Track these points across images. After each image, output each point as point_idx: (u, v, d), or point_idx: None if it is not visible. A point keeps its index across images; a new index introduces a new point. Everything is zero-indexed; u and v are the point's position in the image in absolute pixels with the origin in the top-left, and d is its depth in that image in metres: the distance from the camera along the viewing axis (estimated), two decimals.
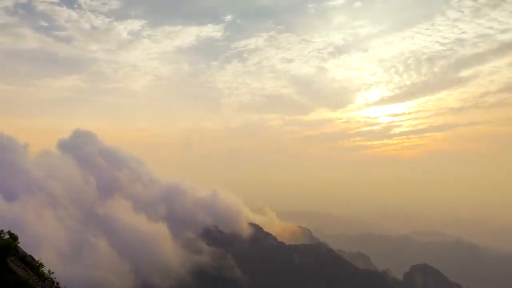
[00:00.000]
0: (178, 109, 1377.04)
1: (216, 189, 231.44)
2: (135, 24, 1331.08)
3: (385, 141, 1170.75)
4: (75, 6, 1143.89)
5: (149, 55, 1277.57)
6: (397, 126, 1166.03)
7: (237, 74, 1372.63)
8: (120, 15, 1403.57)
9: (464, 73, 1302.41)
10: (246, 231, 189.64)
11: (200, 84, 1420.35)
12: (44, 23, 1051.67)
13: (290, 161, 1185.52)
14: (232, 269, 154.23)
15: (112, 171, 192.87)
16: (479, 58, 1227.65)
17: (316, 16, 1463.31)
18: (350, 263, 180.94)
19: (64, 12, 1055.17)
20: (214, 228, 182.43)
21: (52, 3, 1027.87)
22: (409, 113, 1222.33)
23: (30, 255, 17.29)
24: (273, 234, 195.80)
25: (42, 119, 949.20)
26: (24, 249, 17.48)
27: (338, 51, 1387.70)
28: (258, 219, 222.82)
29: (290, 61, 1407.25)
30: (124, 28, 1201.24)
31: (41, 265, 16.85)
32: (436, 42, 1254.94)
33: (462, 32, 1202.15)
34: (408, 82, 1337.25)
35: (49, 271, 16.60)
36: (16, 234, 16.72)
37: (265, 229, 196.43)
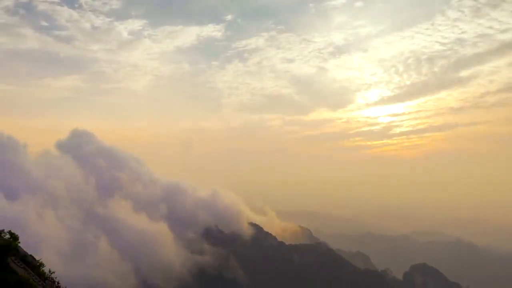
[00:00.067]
0: (178, 109, 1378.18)
1: (216, 189, 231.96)
2: (135, 24, 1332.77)
3: (385, 141, 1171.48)
4: (76, 6, 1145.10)
5: (149, 55, 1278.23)
6: (397, 126, 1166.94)
7: (237, 74, 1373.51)
8: (120, 15, 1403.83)
9: (464, 73, 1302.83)
10: (247, 231, 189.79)
11: (201, 84, 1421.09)
12: (44, 23, 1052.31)
13: (290, 161, 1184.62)
14: (232, 269, 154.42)
15: (112, 171, 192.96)
16: (479, 58, 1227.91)
17: (317, 16, 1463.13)
18: (350, 262, 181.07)
19: (65, 12, 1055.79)
20: (214, 228, 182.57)
21: (53, 2, 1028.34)
22: (409, 113, 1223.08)
23: (30, 255, 17.42)
24: (273, 234, 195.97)
25: (43, 119, 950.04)
26: (24, 249, 17.60)
27: (339, 51, 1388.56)
28: (258, 219, 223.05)
29: (290, 61, 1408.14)
30: (124, 28, 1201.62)
31: (41, 264, 16.98)
32: (436, 42, 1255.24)
33: (462, 32, 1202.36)
34: (408, 82, 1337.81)
35: (49, 271, 16.74)
36: (16, 234, 16.86)
37: (265, 229, 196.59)
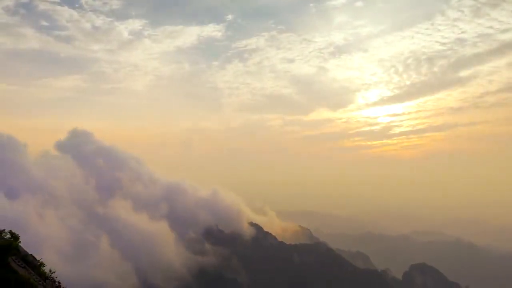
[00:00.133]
0: (178, 109, 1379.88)
1: (217, 188, 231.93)
2: (136, 24, 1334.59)
3: (384, 141, 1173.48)
4: (76, 5, 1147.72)
5: (150, 55, 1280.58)
6: (397, 126, 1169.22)
7: (237, 74, 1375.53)
8: (121, 15, 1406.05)
9: (464, 73, 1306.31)
10: (247, 230, 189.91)
11: (201, 84, 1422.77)
12: (45, 23, 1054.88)
13: (290, 161, 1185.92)
14: (232, 269, 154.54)
15: (112, 171, 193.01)
16: (478, 58, 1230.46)
17: (317, 15, 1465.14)
18: (350, 262, 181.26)
19: (65, 12, 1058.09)
20: (214, 227, 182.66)
21: (53, 2, 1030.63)
22: (409, 113, 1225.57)
23: (31, 255, 17.45)
24: (273, 233, 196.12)
25: (43, 119, 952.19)
26: (25, 249, 17.65)
27: (339, 51, 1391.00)
28: (258, 219, 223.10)
29: (290, 61, 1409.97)
30: (125, 28, 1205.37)
31: (42, 264, 17.01)
32: (436, 42, 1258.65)
33: (462, 32, 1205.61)
34: (407, 82, 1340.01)
35: (50, 271, 16.77)
36: (17, 233, 16.90)
37: (265, 229, 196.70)
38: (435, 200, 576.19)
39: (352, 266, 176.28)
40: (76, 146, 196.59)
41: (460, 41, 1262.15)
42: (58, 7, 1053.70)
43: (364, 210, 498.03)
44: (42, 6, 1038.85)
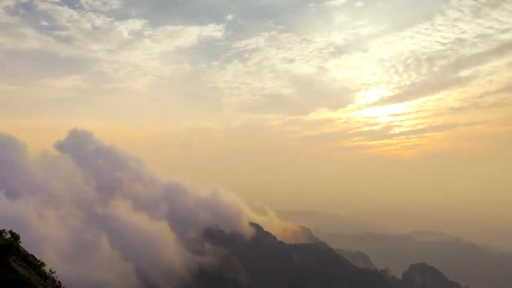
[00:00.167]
0: (178, 109, 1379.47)
1: (217, 188, 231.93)
2: (136, 24, 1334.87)
3: (384, 141, 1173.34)
4: (76, 5, 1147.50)
5: (150, 55, 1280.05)
6: (397, 126, 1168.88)
7: (237, 74, 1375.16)
8: (121, 15, 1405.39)
9: (464, 73, 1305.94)
10: (247, 230, 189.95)
11: (201, 84, 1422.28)
12: (45, 23, 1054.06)
13: (290, 161, 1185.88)
14: (232, 268, 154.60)
15: (112, 171, 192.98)
16: (478, 58, 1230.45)
17: (317, 15, 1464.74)
18: (350, 262, 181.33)
19: (65, 12, 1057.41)
20: (214, 227, 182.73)
21: (53, 2, 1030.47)
22: (409, 113, 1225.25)
23: (31, 255, 17.51)
24: (273, 233, 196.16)
25: (43, 119, 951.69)
26: (25, 248, 17.70)
27: (339, 51, 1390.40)
28: (258, 219, 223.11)
29: (290, 61, 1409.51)
30: (125, 28, 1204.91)
31: (42, 264, 17.07)
32: (436, 42, 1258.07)
33: (462, 32, 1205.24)
34: (407, 82, 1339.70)
35: (50, 270, 16.83)
36: (17, 233, 16.95)
37: (265, 229, 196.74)
38: (435, 200, 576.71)
39: (352, 266, 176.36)
40: (76, 146, 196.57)
41: (460, 41, 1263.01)
42: (58, 7, 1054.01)
43: (364, 210, 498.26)
44: (42, 6, 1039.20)
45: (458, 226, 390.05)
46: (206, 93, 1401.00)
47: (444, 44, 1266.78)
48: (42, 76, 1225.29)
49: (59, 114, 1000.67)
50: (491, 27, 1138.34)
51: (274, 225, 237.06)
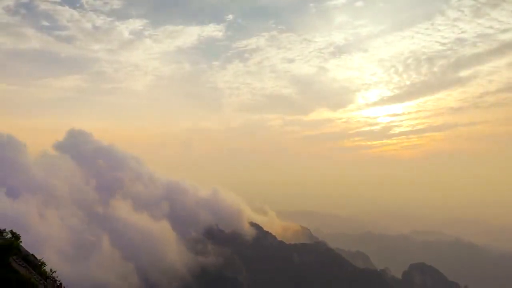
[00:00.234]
0: (179, 109, 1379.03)
1: (217, 188, 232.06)
2: (136, 24, 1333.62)
3: (384, 141, 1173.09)
4: (77, 5, 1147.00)
5: (150, 55, 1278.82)
6: (397, 126, 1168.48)
7: (238, 74, 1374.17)
8: (121, 15, 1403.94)
9: (464, 73, 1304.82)
10: (247, 230, 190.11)
11: (201, 84, 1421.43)
12: (45, 23, 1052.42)
13: (290, 161, 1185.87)
14: (232, 268, 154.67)
15: (111, 171, 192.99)
16: (478, 58, 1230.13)
17: (317, 15, 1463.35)
18: (349, 262, 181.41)
19: (66, 12, 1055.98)
20: (215, 227, 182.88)
21: (54, 2, 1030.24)
22: (409, 113, 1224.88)
23: (32, 254, 17.55)
24: (273, 233, 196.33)
25: (44, 119, 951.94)
26: (26, 248, 17.74)
27: (339, 51, 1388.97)
28: (258, 219, 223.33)
29: (291, 61, 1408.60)
30: (125, 28, 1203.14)
31: (43, 264, 17.13)
32: (436, 42, 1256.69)
33: (462, 32, 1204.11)
34: (407, 82, 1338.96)
35: (51, 270, 16.88)
36: (18, 233, 17.00)
37: (265, 229, 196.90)
38: (435, 200, 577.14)
39: (352, 265, 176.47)
40: (75, 146, 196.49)
41: (460, 41, 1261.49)
42: (59, 7, 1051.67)
43: (364, 210, 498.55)
44: (43, 6, 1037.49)
45: (458, 226, 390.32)
46: (206, 93, 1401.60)
47: (444, 44, 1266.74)
48: (43, 76, 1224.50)
49: (59, 114, 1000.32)
50: (491, 27, 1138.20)
51: (274, 225, 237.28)
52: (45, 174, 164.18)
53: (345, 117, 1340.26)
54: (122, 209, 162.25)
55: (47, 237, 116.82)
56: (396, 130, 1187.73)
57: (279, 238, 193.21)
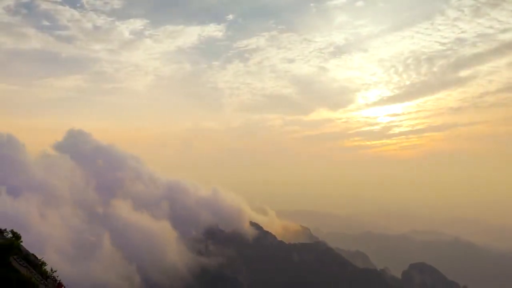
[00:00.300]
0: (179, 109, 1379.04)
1: (217, 188, 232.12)
2: (137, 24, 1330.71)
3: (384, 141, 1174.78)
4: (78, 5, 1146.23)
5: (151, 55, 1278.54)
6: (397, 126, 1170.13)
7: (238, 74, 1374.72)
8: (122, 15, 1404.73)
9: (464, 73, 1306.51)
10: (247, 230, 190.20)
11: (202, 84, 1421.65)
12: (46, 23, 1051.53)
13: (290, 161, 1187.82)
14: (232, 268, 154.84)
15: (111, 170, 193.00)
16: (478, 58, 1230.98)
17: (318, 15, 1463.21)
18: (349, 261, 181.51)
19: (67, 12, 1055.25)
20: (215, 227, 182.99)
21: (55, 2, 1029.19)
22: (408, 113, 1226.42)
23: (32, 254, 17.65)
24: (273, 233, 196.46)
25: (44, 119, 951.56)
26: (26, 248, 17.83)
27: (339, 51, 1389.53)
28: (258, 218, 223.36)
29: (291, 61, 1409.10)
30: (126, 28, 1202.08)
31: (43, 263, 17.22)
32: (436, 42, 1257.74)
33: (462, 32, 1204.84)
34: (407, 82, 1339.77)
35: (51, 270, 16.97)
36: (19, 233, 17.10)
37: (265, 228, 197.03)
38: (434, 199, 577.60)
39: (352, 265, 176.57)
40: (74, 146, 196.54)
41: (460, 41, 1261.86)
42: (60, 7, 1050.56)
43: (364, 209, 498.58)
44: (44, 6, 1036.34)
45: (458, 226, 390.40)
46: (207, 93, 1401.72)
47: (444, 44, 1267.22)
48: (43, 76, 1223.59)
49: (59, 114, 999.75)
50: (491, 27, 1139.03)
51: (274, 224, 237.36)
52: (45, 174, 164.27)
53: (345, 117, 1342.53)
54: (123, 209, 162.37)
55: (47, 237, 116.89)
56: (396, 130, 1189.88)
57: (279, 238, 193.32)
